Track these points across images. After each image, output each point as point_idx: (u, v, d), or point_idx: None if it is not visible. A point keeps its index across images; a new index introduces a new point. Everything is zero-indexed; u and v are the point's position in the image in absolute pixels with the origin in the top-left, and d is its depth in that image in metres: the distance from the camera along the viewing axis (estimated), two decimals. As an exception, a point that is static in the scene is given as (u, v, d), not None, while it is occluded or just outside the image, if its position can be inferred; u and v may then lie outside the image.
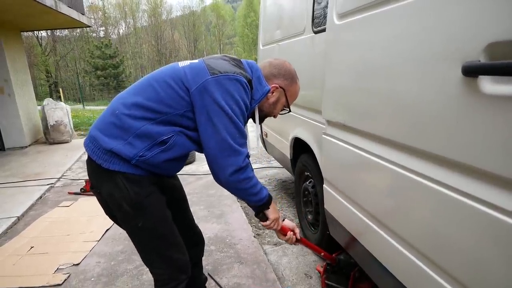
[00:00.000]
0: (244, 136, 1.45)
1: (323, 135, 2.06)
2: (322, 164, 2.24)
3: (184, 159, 1.57)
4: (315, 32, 2.36)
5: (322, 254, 2.11)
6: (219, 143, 1.39)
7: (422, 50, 1.14)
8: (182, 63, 1.50)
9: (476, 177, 0.99)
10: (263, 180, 4.76)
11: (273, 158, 5.66)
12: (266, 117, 1.68)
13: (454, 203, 1.06)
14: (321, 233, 2.57)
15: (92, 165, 1.50)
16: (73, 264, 2.83)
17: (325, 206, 2.19)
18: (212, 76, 1.38)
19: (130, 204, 1.45)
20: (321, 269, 2.30)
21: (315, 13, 2.40)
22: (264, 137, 4.20)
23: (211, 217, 3.58)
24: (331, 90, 1.93)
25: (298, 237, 1.80)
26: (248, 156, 1.48)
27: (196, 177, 4.99)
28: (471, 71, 0.91)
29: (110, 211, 1.60)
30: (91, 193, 4.32)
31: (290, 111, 1.71)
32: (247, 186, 1.48)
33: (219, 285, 2.43)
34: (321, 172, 2.26)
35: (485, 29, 0.90)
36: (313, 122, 2.41)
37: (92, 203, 4.17)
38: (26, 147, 7.54)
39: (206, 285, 2.14)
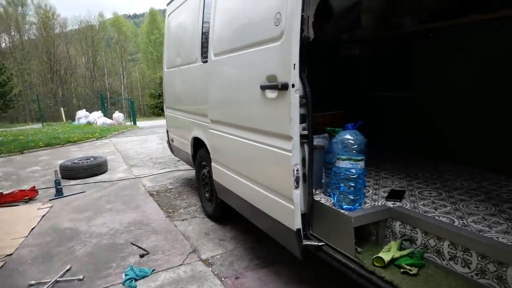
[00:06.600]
0: None
1: (209, 130, 3.15)
2: (210, 150, 3.30)
3: None
4: (203, 62, 3.41)
5: None
6: None
7: (248, 78, 2.29)
8: None
9: (266, 134, 2.19)
10: (171, 180, 5.63)
11: (179, 163, 6.58)
12: None
13: (261, 149, 2.26)
14: (215, 203, 3.60)
15: None
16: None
17: (213, 178, 3.24)
18: None
19: None
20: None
21: (203, 49, 3.47)
22: (170, 142, 5.11)
23: (128, 209, 4.34)
24: (212, 100, 3.03)
25: None
26: None
27: (110, 183, 5.64)
28: (262, 88, 2.07)
29: None
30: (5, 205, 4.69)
31: None
32: None
33: (140, 247, 3.27)
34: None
35: (265, 70, 2.05)
36: (204, 123, 3.44)
37: (5, 213, 4.56)
38: None
39: (133, 251, 3.00)
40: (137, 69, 47.24)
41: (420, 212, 1.87)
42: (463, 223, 1.70)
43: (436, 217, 1.78)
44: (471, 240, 1.53)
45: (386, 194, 2.17)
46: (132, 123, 16.05)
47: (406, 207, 1.96)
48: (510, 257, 1.38)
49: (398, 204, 2.01)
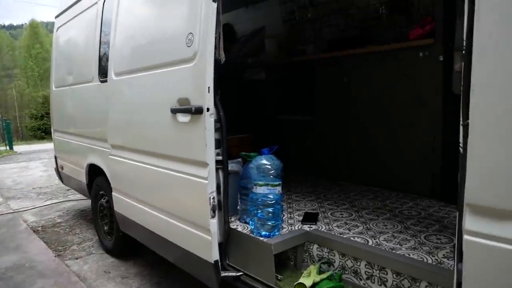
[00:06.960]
0: None
1: (109, 156, 2.83)
2: (110, 178, 2.97)
3: None
4: (101, 81, 3.09)
5: None
6: None
7: (156, 100, 2.14)
8: None
9: (177, 160, 2.06)
10: (60, 212, 4.95)
11: (69, 192, 5.86)
12: None
13: (172, 177, 2.12)
14: (116, 236, 3.23)
15: None
16: None
17: (115, 209, 2.91)
18: None
19: None
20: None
21: (101, 67, 3.15)
22: (59, 169, 4.50)
23: (5, 251, 3.64)
24: (113, 123, 2.75)
25: None
26: None
27: (-21, 220, 4.70)
28: (173, 111, 1.93)
29: None
30: None
31: None
32: None
33: (22, 298, 2.73)
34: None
35: (176, 93, 1.93)
36: (102, 149, 3.10)
37: None
38: None
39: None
40: (14, 86, 41.52)
41: (336, 234, 1.92)
42: (376, 242, 1.78)
43: (351, 238, 1.84)
44: (385, 258, 1.60)
45: (301, 218, 2.19)
46: (7, 147, 13.90)
47: (322, 229, 1.99)
48: (422, 272, 1.47)
49: (314, 227, 2.03)
